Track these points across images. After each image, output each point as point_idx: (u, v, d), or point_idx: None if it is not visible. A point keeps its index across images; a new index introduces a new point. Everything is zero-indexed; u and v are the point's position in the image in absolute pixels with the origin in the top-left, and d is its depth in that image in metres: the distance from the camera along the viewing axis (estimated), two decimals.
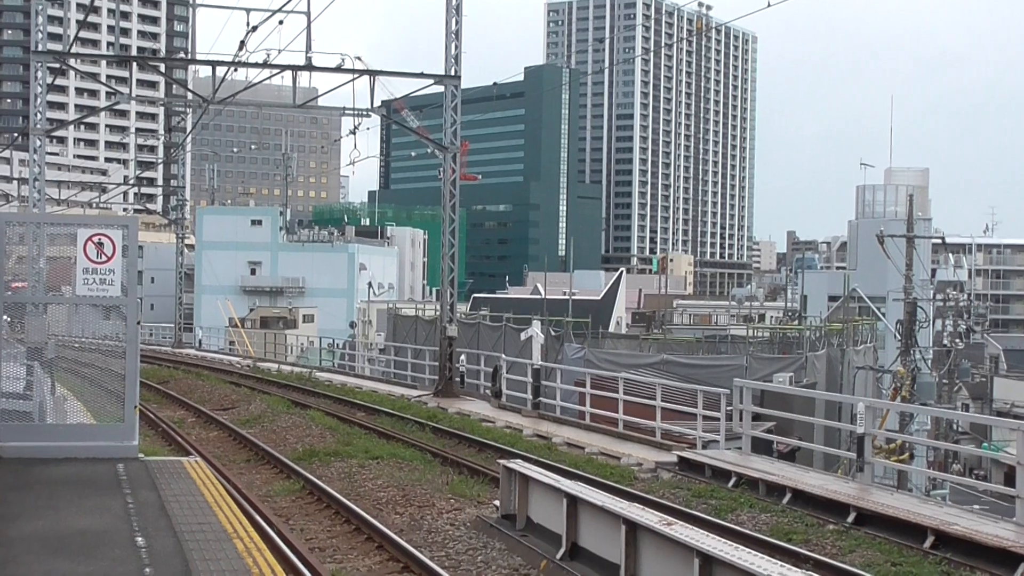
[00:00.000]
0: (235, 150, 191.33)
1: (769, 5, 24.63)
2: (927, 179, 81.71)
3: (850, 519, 16.55)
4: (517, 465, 16.47)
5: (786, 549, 14.33)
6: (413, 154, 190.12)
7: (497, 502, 16.78)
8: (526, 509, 15.73)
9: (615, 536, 12.92)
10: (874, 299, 57.93)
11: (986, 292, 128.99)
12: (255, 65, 34.26)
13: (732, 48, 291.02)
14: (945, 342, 50.32)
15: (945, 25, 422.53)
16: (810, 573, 10.60)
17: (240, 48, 33.60)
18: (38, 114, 35.40)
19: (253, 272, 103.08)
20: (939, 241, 61.05)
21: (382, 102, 36.30)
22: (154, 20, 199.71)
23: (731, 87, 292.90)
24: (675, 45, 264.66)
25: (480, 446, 24.27)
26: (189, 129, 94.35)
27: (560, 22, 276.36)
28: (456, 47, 33.84)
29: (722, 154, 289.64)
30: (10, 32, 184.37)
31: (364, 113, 35.90)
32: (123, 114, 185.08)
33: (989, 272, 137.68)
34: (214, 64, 34.71)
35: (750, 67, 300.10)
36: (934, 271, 62.50)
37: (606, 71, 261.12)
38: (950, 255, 70.86)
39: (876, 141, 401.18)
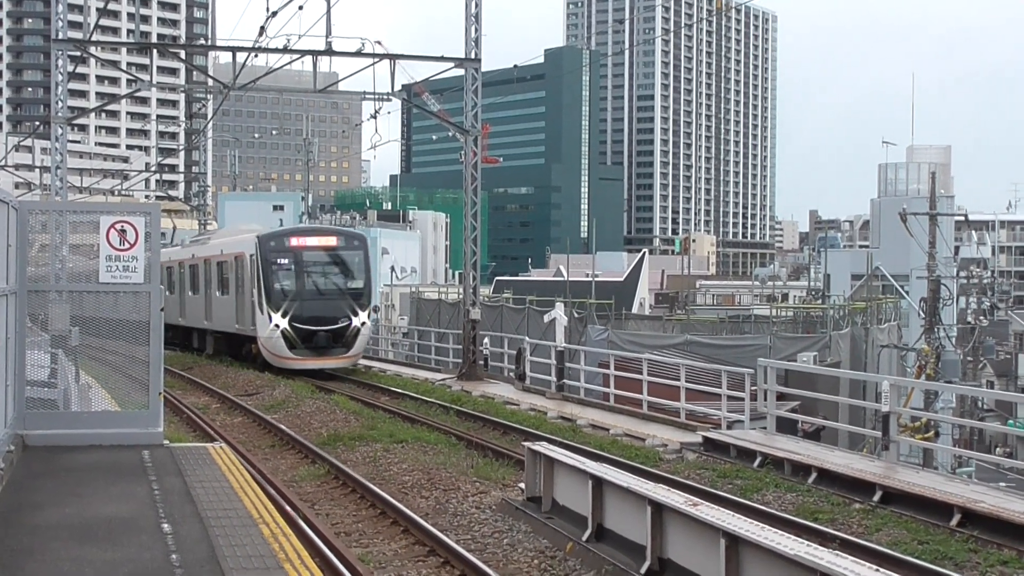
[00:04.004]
0: (256, 136, 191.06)
1: None
2: (949, 156, 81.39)
3: (876, 498, 16.52)
4: (542, 447, 16.45)
5: (812, 529, 14.29)
6: (434, 137, 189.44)
7: (522, 485, 16.77)
8: (551, 491, 15.72)
9: (641, 517, 12.89)
10: (897, 277, 57.65)
11: (1010, 269, 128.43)
12: (275, 51, 34.21)
13: (752, 28, 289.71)
14: (969, 319, 50.18)
15: (964, 1, 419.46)
16: (837, 552, 10.54)
17: (260, 34, 33.54)
18: (59, 102, 35.37)
19: None
20: (962, 218, 60.96)
21: (403, 86, 36.36)
22: (174, 7, 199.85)
23: (751, 67, 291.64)
24: (695, 25, 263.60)
25: (505, 429, 24.27)
26: (210, 116, 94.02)
27: (580, 3, 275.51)
28: (476, 30, 33.74)
29: (743, 134, 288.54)
30: (30, 21, 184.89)
31: (385, 97, 35.79)
32: (144, 101, 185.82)
33: (1013, 249, 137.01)
34: (234, 50, 34.65)
35: (770, 46, 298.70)
36: (957, 248, 62.33)
37: (626, 52, 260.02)
38: (973, 232, 70.88)
39: (898, 119, 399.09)
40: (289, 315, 31.51)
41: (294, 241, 32.84)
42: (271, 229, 36.52)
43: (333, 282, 32.96)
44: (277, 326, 31.43)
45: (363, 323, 33.05)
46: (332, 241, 33.75)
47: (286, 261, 32.24)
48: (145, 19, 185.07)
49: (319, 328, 31.92)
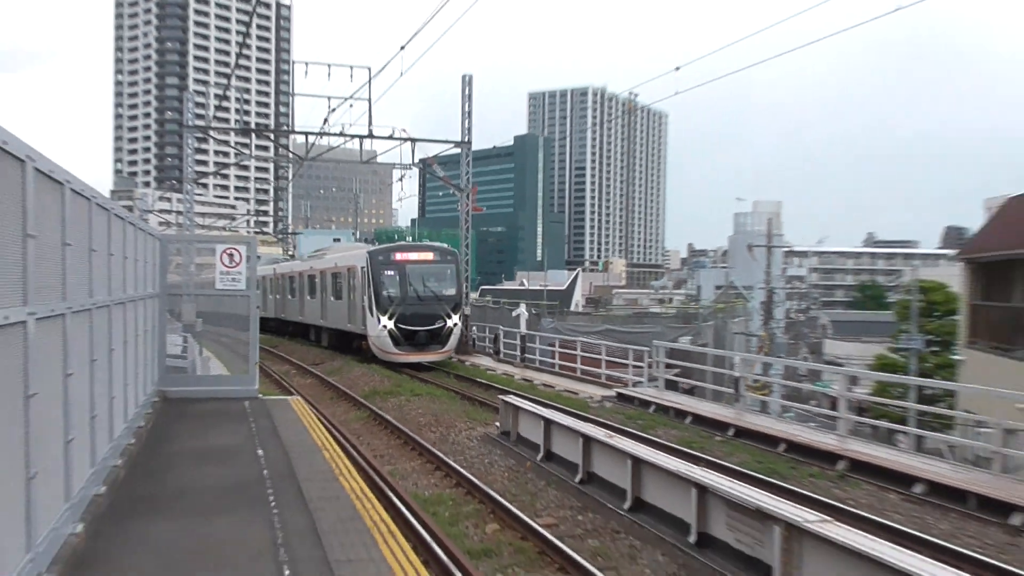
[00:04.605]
0: (321, 191, 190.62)
1: (676, 92, 24.64)
2: (780, 208, 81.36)
3: (730, 433, 16.64)
4: (511, 399, 16.49)
5: (688, 454, 14.37)
6: (441, 193, 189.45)
7: (498, 423, 16.82)
8: (517, 428, 15.76)
9: (575, 445, 12.94)
10: (746, 287, 57.97)
11: (818, 283, 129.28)
12: (334, 135, 34.24)
13: (651, 120, 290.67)
14: (791, 316, 50.39)
15: (797, 102, 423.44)
16: (706, 470, 10.60)
17: (324, 123, 33.63)
18: (188, 168, 35.26)
19: None
20: (788, 249, 61.10)
21: (420, 160, 36.19)
22: (266, 104, 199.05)
23: (651, 146, 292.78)
24: (614, 120, 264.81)
25: (486, 386, 24.26)
26: (290, 178, 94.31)
27: (537, 105, 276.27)
28: (468, 123, 33.77)
29: (644, 190, 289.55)
30: (170, 112, 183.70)
31: (407, 167, 35.97)
32: (245, 167, 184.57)
33: (820, 270, 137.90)
34: (307, 134, 34.71)
35: (663, 132, 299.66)
36: (785, 269, 62.55)
37: (568, 138, 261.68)
38: (795, 259, 70.98)
39: (748, 183, 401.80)
40: (395, 317, 27.64)
41: (398, 256, 28.72)
42: (378, 246, 31.67)
43: (431, 289, 28.54)
44: (384, 327, 27.61)
45: (455, 324, 28.68)
46: (429, 255, 29.36)
47: (392, 272, 28.19)
48: (247, 112, 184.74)
49: (420, 328, 27.85)
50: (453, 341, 28.95)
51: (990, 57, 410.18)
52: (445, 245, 31.16)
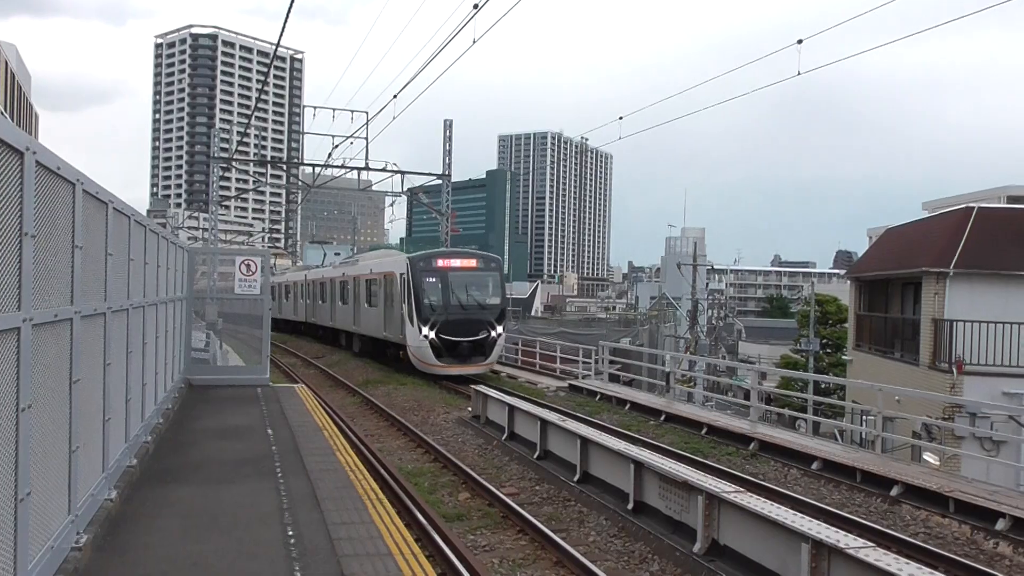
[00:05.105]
0: (325, 213, 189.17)
1: (620, 137, 24.82)
2: (704, 234, 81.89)
3: (662, 418, 16.64)
4: (481, 388, 16.41)
5: (627, 435, 14.37)
6: (425, 217, 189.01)
7: (470, 409, 16.72)
8: (486, 412, 15.68)
9: (535, 427, 12.89)
10: (675, 298, 58.31)
11: (734, 295, 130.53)
12: (337, 167, 33.95)
13: (599, 160, 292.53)
14: (713, 322, 50.73)
15: (718, 148, 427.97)
16: (642, 449, 10.61)
17: (328, 156, 33.44)
18: (214, 192, 34.88)
19: None
20: (710, 267, 61.50)
21: (408, 189, 36.03)
22: (280, 140, 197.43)
23: (599, 180, 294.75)
24: (568, 159, 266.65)
25: (461, 378, 24.18)
26: (299, 202, 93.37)
27: (506, 145, 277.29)
28: (448, 158, 33.67)
29: (593, 216, 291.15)
30: (199, 145, 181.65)
31: (397, 194, 35.77)
32: (262, 193, 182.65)
33: (736, 284, 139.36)
34: (314, 166, 34.48)
35: (609, 169, 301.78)
36: (707, 283, 62.98)
37: (531, 173, 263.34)
38: (715, 275, 71.46)
39: (678, 212, 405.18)
40: (436, 327, 22.32)
41: (441, 262, 23.46)
42: (417, 252, 25.72)
43: (474, 298, 23.25)
44: (426, 337, 22.31)
45: (499, 334, 23.27)
46: (473, 262, 23.97)
47: (433, 280, 22.93)
48: (264, 146, 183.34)
49: (462, 339, 22.53)
50: (497, 353, 23.68)
51: (868, 118, 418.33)
52: (489, 253, 25.82)
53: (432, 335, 22.29)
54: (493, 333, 22.97)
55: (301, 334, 40.28)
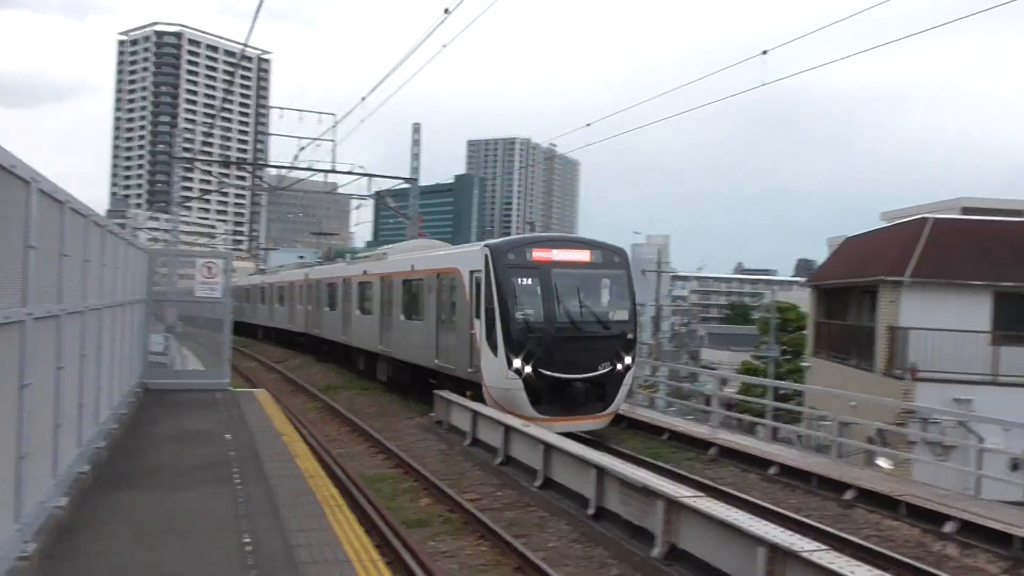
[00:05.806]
0: (290, 216, 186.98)
1: (587, 144, 24.99)
2: (668, 241, 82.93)
3: (624, 424, 16.66)
4: (444, 393, 16.34)
5: (589, 440, 14.36)
6: (391, 221, 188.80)
7: (433, 414, 16.63)
8: (450, 418, 15.62)
9: (498, 433, 12.89)
10: (640, 304, 58.78)
11: (697, 302, 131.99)
12: (303, 168, 33.75)
13: (567, 166, 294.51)
14: (676, 328, 51.24)
15: (682, 155, 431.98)
16: (603, 454, 10.66)
17: (295, 158, 33.23)
18: (175, 192, 34.37)
19: None
20: (673, 274, 62.16)
21: (376, 192, 35.85)
22: (245, 141, 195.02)
23: (566, 186, 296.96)
24: (536, 164, 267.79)
25: (425, 383, 24.02)
26: (264, 204, 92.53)
27: (475, 150, 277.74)
28: (416, 162, 33.54)
29: (560, 222, 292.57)
30: (161, 144, 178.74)
31: (364, 197, 35.61)
32: (225, 193, 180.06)
33: (699, 291, 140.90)
34: (279, 167, 34.20)
35: (576, 176, 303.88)
36: (671, 290, 63.61)
37: (499, 177, 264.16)
38: (679, 281, 72.28)
39: (643, 219, 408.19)
40: (535, 359, 14.30)
41: (538, 253, 15.03)
42: (500, 239, 16.24)
43: (592, 312, 15.11)
44: (518, 372, 14.26)
45: (628, 367, 15.06)
46: (586, 255, 15.40)
47: (529, 281, 14.76)
48: (228, 146, 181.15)
49: (575, 376, 14.46)
50: (622, 396, 15.32)
51: (829, 129, 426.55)
52: (611, 243, 16.27)
53: (528, 370, 14.35)
54: (620, 366, 14.99)
55: (300, 348, 32.64)
